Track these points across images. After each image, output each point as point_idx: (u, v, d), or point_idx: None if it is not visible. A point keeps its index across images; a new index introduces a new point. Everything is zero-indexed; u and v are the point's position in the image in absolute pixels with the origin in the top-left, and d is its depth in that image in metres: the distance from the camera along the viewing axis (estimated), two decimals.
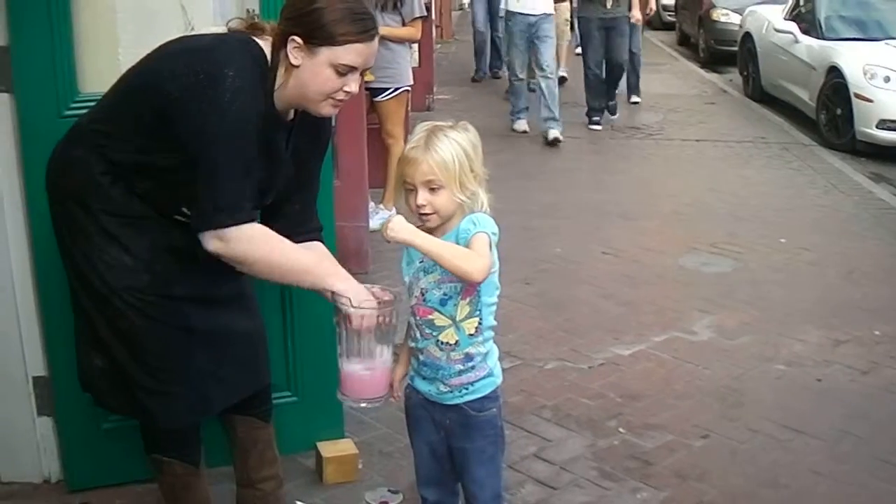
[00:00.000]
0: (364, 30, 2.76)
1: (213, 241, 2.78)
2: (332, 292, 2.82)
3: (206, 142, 2.72)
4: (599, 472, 3.99)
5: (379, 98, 7.14)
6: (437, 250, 2.65)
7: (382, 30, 6.68)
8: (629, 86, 12.24)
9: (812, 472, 4.00)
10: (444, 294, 2.75)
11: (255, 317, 3.25)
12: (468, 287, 2.74)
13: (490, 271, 2.70)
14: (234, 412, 3.25)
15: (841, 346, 5.27)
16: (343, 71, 2.77)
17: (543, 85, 10.06)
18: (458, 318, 2.77)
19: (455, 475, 3.03)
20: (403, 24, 7.12)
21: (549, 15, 10.03)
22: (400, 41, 7.11)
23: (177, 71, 2.76)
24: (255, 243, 2.81)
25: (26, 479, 3.75)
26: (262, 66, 2.81)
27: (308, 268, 2.91)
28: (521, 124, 10.66)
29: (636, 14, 10.90)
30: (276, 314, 3.73)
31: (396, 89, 7.14)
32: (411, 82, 7.41)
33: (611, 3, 10.44)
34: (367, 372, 2.79)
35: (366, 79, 6.93)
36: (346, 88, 2.80)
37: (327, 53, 2.74)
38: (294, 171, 3.01)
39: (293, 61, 2.78)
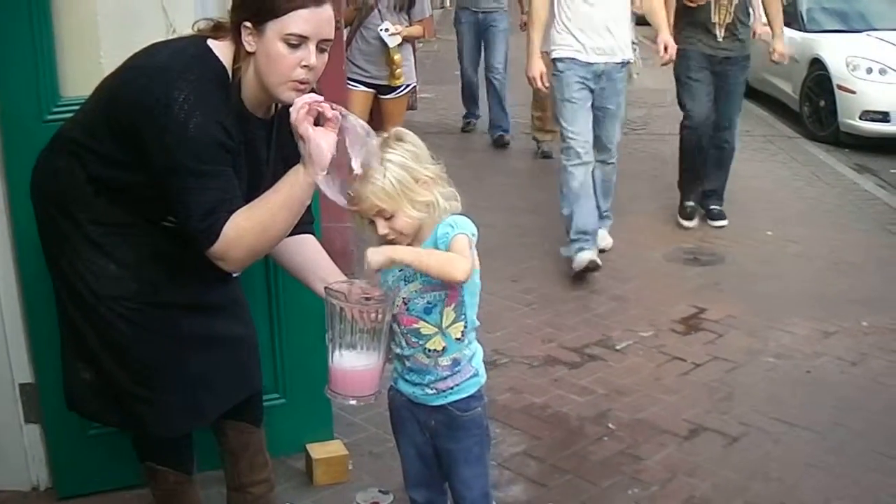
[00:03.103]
0: None
1: (220, 264, 2.75)
2: (326, 287, 2.77)
3: (167, 171, 2.67)
4: (590, 468, 3.99)
5: (391, 95, 7.28)
6: (420, 260, 2.64)
7: (404, 31, 6.97)
8: None
9: (804, 464, 4.00)
10: (428, 302, 2.74)
11: (246, 322, 3.23)
12: (451, 293, 2.73)
13: (472, 271, 2.68)
14: (225, 417, 3.22)
15: (830, 337, 5.28)
16: (294, 42, 2.67)
17: (599, 173, 6.42)
18: (444, 326, 2.76)
19: (443, 475, 3.01)
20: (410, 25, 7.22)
21: (625, 64, 6.30)
22: (407, 39, 7.20)
23: (133, 92, 2.72)
24: (243, 236, 2.70)
25: (15, 487, 3.72)
26: (219, 73, 2.76)
27: (284, 200, 2.73)
28: (587, 256, 6.08)
29: (778, 48, 7.47)
30: (263, 316, 3.71)
31: (407, 86, 7.25)
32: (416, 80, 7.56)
33: (724, 32, 6.89)
34: (357, 368, 2.74)
35: (398, 81, 7.12)
36: (303, 63, 2.69)
37: (274, 27, 2.66)
38: (282, 166, 2.98)
39: (248, 48, 2.72)
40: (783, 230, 7.15)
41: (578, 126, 6.15)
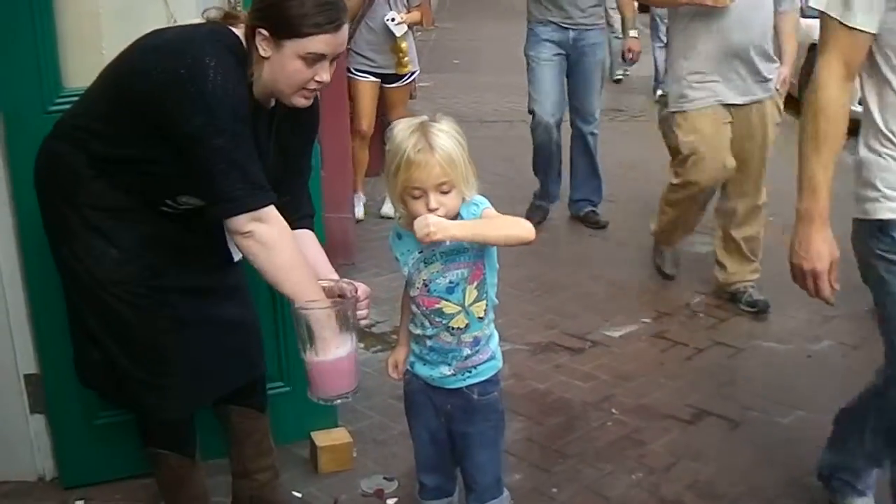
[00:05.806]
0: (329, 21, 2.69)
1: (248, 224, 2.70)
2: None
3: (208, 134, 2.64)
4: (594, 453, 4.01)
5: (395, 84, 7.23)
6: (483, 231, 2.65)
7: (406, 17, 6.92)
8: None
9: (805, 446, 4.00)
10: (451, 282, 2.73)
11: (246, 306, 3.25)
12: (475, 271, 2.74)
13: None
14: (230, 403, 3.26)
15: (831, 321, 5.28)
16: (312, 60, 2.72)
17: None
18: (467, 304, 2.77)
19: (454, 461, 3.03)
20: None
21: None
22: (408, 26, 7.18)
23: (150, 69, 2.71)
24: (284, 230, 2.78)
25: (21, 477, 3.74)
26: (237, 54, 2.78)
27: (300, 280, 2.80)
28: None
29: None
30: (266, 305, 3.71)
31: (411, 74, 7.23)
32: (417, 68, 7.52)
33: None
34: (329, 359, 2.77)
35: (405, 69, 7.06)
36: (317, 78, 2.75)
37: (293, 46, 2.70)
38: (282, 157, 2.99)
39: (262, 53, 2.75)
40: (785, 215, 7.05)
41: None
